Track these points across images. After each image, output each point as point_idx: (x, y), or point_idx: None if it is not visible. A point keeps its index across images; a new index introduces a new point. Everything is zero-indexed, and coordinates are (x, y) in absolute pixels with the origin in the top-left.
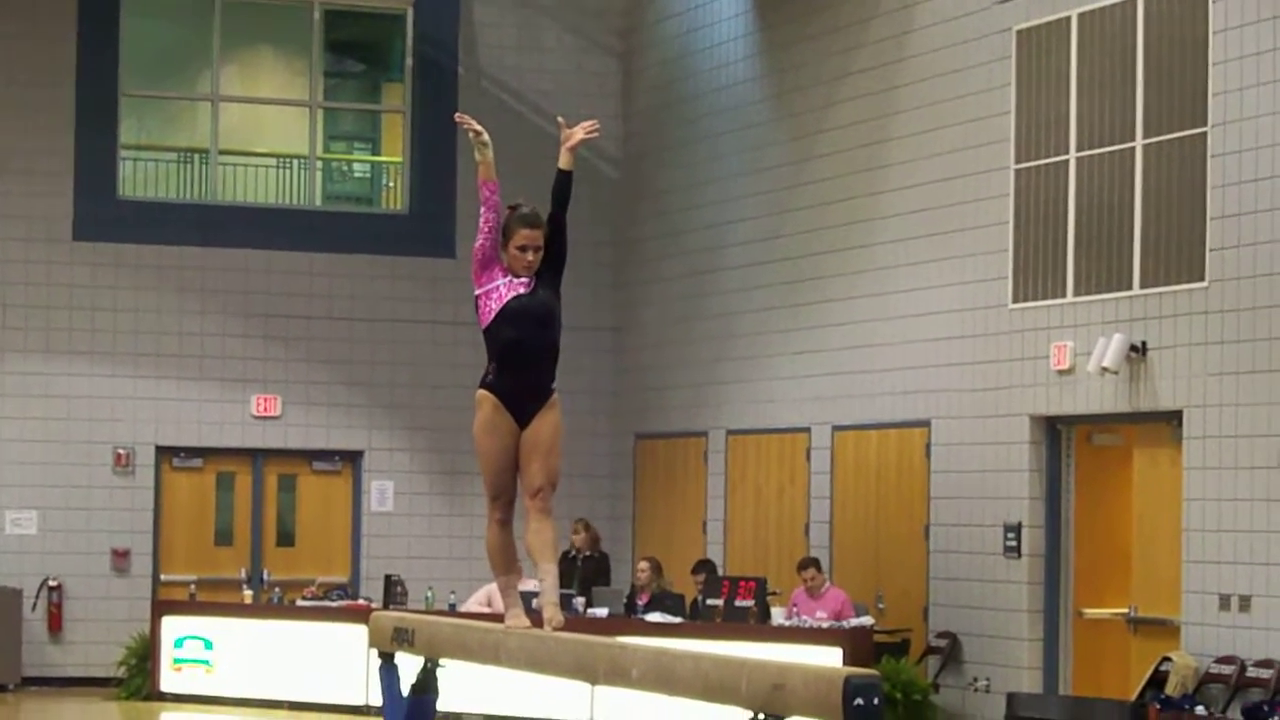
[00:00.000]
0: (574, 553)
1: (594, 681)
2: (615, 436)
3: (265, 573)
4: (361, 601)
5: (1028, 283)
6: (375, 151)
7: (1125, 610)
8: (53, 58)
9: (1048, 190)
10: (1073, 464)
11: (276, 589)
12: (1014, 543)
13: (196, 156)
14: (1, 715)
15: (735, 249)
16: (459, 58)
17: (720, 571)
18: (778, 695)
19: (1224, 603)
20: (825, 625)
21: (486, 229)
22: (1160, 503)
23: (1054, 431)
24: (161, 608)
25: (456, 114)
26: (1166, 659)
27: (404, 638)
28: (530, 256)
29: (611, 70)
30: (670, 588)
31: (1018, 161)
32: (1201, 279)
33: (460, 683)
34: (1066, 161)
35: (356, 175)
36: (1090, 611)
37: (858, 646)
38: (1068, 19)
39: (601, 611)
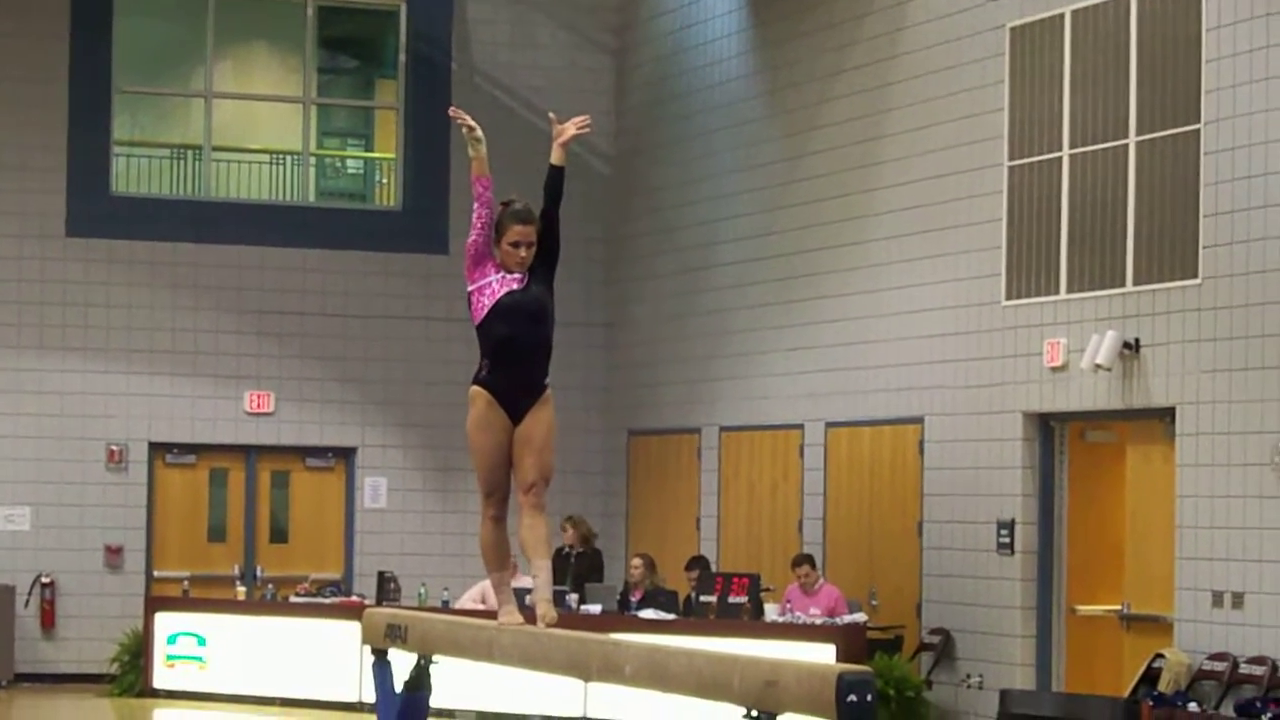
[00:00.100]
0: (567, 549)
1: (587, 678)
2: (608, 433)
3: (258, 569)
4: (355, 598)
5: (1021, 279)
6: (368, 148)
7: (1118, 607)
8: (46, 54)
9: (1041, 187)
10: (1066, 461)
11: (270, 585)
12: (1007, 539)
13: (190, 153)
14: None
15: (728, 245)
16: (452, 54)
17: (713, 568)
18: (771, 692)
19: (1217, 599)
20: (818, 622)
21: (479, 225)
22: (1153, 499)
23: (1047, 428)
24: (155, 604)
25: (451, 108)
26: (1159, 656)
27: (397, 634)
28: (523, 252)
29: (604, 67)
30: (663, 584)
31: (1011, 158)
32: (1194, 276)
33: (453, 679)
34: (1060, 158)
35: (350, 171)
36: (1083, 608)
37: (851, 643)
38: (1061, 16)
39: (595, 608)
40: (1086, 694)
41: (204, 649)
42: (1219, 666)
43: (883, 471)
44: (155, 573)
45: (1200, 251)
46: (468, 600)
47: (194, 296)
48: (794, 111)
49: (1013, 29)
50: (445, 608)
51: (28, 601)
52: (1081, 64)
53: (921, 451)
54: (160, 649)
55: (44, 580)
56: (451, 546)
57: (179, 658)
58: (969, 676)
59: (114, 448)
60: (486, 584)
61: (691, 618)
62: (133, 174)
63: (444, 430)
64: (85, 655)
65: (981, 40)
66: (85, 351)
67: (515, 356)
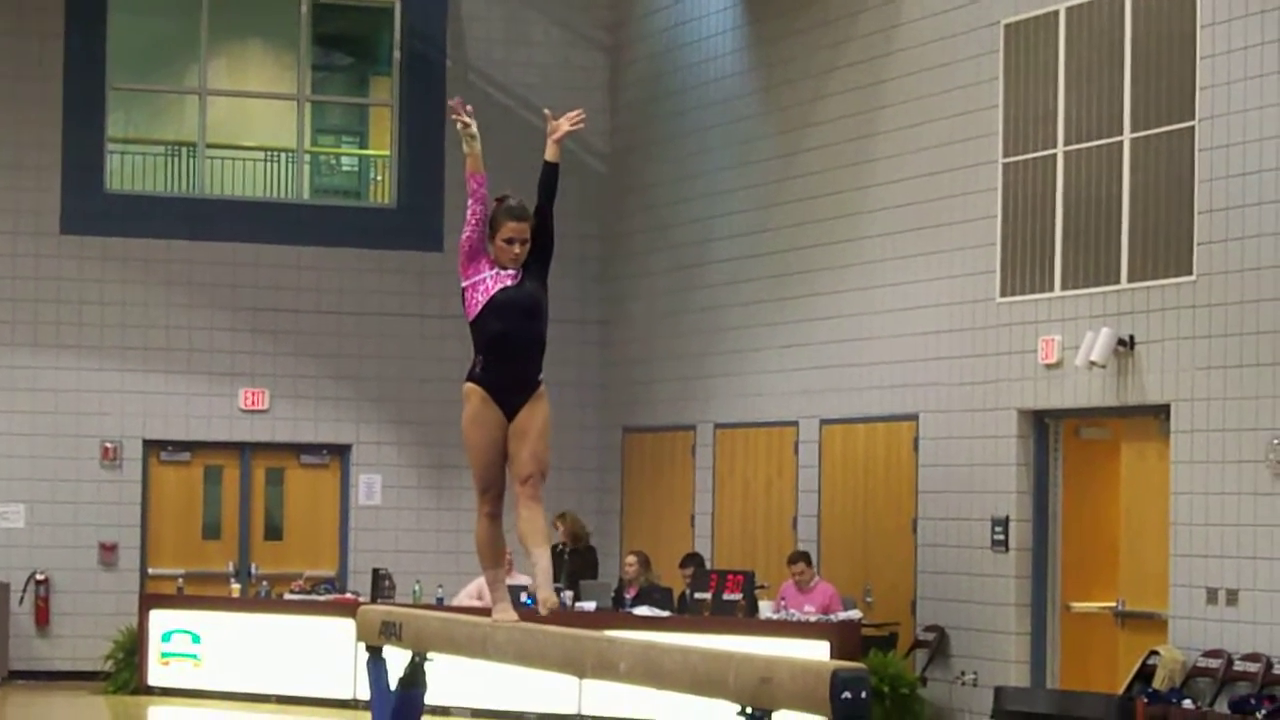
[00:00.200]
0: (561, 546)
1: (582, 675)
2: (603, 430)
3: (253, 566)
4: (349, 595)
5: (1015, 277)
6: (363, 145)
7: (1113, 604)
8: (40, 51)
9: (1035, 184)
10: (1060, 458)
11: (264, 583)
12: (1001, 537)
13: (184, 150)
14: None
15: (723, 243)
16: (447, 51)
17: (708, 565)
18: (765, 688)
19: (1211, 596)
20: (813, 619)
21: (474, 221)
22: (1148, 496)
23: (1041, 425)
24: (149, 601)
25: (456, 99)
26: (1154, 653)
27: (392, 631)
28: (517, 249)
29: (599, 64)
30: (658, 581)
31: (1005, 155)
32: (1189, 273)
33: (448, 677)
34: (1054, 155)
35: (344, 169)
36: (1078, 605)
37: (845, 640)
38: (1055, 13)
39: (589, 605)
40: (1081, 691)
41: (199, 646)
42: (1213, 663)
43: (877, 469)
44: (150, 570)
45: (1195, 248)
46: (465, 596)
47: (188, 294)
48: (788, 108)
49: (1007, 25)
50: (440, 605)
51: (22, 599)
52: (1076, 60)
53: (916, 448)
54: (155, 646)
55: (39, 577)
56: (446, 543)
57: (174, 655)
58: (963, 673)
59: (108, 445)
60: (484, 580)
61: (686, 615)
62: (127, 171)
63: (438, 427)
64: (80, 652)
65: (976, 37)
66: (80, 349)
67: (509, 353)
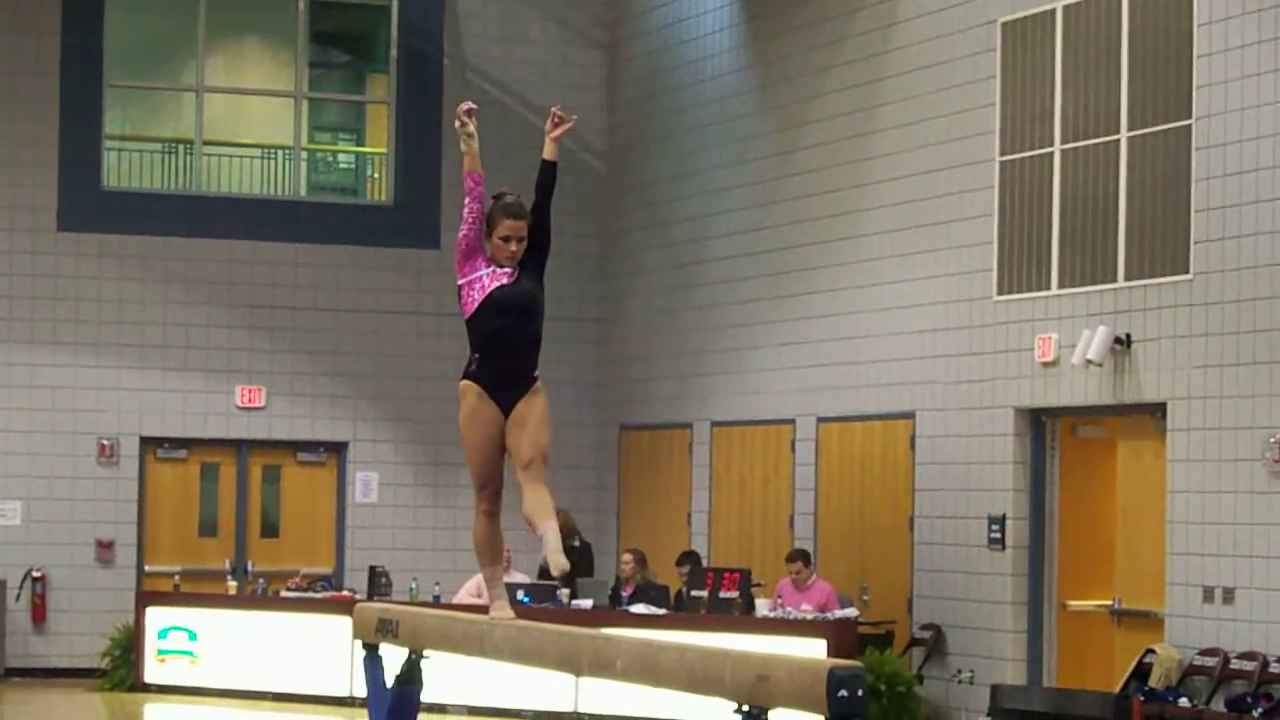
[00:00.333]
0: None
1: (578, 673)
2: (600, 428)
3: (249, 564)
4: (346, 593)
5: (1012, 275)
6: (360, 142)
7: (1109, 602)
8: (37, 48)
9: (1032, 183)
10: (1057, 456)
11: (261, 580)
12: (998, 535)
13: (181, 147)
14: None
15: (720, 241)
16: (444, 49)
17: (705, 563)
18: (762, 687)
19: (1207, 595)
20: (810, 617)
21: (470, 219)
22: (1144, 495)
23: (1038, 424)
24: (145, 599)
25: (466, 104)
26: (1150, 651)
27: (388, 629)
28: (513, 247)
29: (596, 62)
30: (655, 579)
31: (1002, 154)
32: (1186, 271)
33: (445, 674)
34: (1051, 154)
35: (341, 166)
36: (1074, 603)
37: (842, 638)
38: (1052, 11)
39: (586, 603)
40: (1077, 689)
41: (195, 643)
42: (1210, 661)
43: (874, 467)
44: (146, 567)
45: (1192, 247)
46: (466, 593)
47: (185, 291)
48: (785, 106)
49: (1004, 24)
50: (437, 602)
51: (18, 596)
52: (1073, 59)
53: (913, 446)
54: (151, 643)
55: (35, 575)
56: (443, 541)
57: (170, 652)
58: (960, 671)
59: (105, 442)
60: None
61: (683, 613)
62: (124, 168)
63: (435, 425)
64: (76, 650)
65: (973, 35)
66: (76, 346)
67: (505, 350)
